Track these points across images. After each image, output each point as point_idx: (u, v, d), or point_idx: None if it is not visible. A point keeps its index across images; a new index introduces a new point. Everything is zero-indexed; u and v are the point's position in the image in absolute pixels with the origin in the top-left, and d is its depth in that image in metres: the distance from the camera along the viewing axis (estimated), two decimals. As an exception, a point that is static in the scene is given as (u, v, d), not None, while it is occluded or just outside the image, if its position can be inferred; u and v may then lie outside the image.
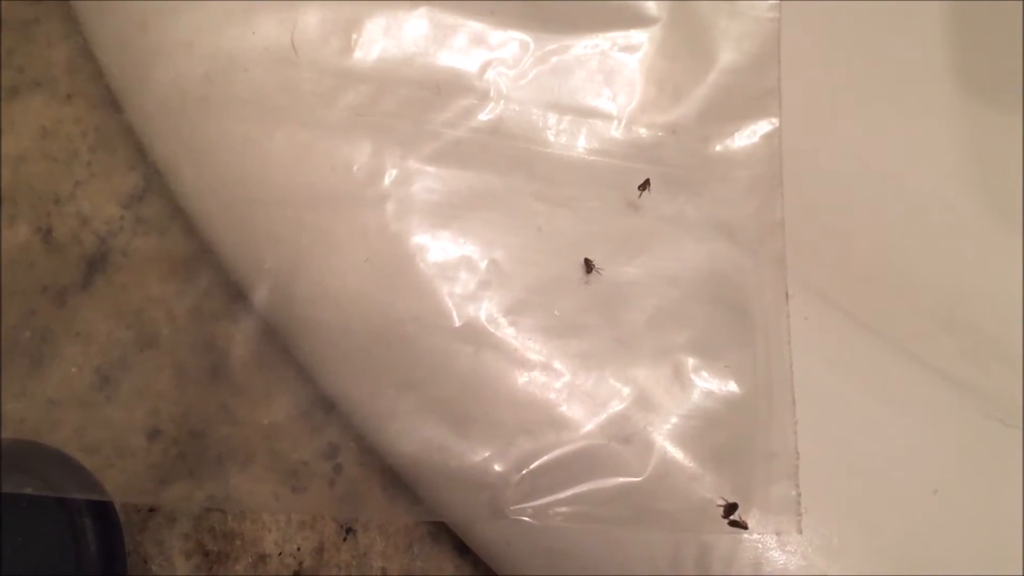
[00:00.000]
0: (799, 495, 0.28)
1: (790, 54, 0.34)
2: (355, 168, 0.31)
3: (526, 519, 0.28)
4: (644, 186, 0.31)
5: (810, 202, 0.38)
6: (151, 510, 0.32)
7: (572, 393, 0.29)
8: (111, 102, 0.35)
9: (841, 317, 0.33)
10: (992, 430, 0.31)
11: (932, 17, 0.43)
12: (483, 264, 0.30)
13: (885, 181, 0.42)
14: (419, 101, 0.32)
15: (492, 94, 0.32)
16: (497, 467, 0.28)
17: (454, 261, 0.30)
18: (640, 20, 0.34)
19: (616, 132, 0.32)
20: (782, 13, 0.34)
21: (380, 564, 0.32)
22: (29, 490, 0.27)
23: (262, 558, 0.31)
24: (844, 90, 0.43)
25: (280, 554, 0.32)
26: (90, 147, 0.35)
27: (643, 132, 0.33)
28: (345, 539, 0.32)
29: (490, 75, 0.32)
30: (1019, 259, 0.40)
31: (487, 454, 0.28)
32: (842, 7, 0.44)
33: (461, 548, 0.32)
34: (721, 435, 0.29)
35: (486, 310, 0.30)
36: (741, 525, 0.27)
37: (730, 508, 0.27)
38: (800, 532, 0.27)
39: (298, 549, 0.32)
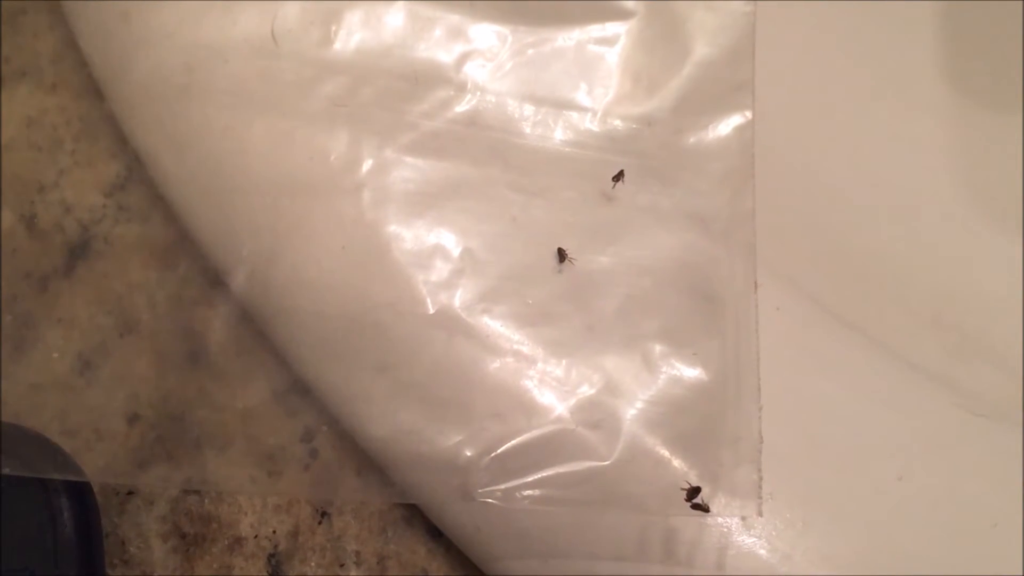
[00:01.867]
0: (760, 478, 0.28)
1: (779, 51, 0.35)
2: (332, 157, 0.31)
3: (494, 502, 0.28)
4: (618, 177, 0.32)
5: (794, 198, 0.39)
6: (129, 493, 0.32)
7: (543, 379, 0.29)
8: (95, 92, 0.35)
9: (814, 309, 0.33)
10: (960, 419, 0.31)
11: (925, 15, 0.43)
12: (457, 252, 0.30)
13: (873, 179, 0.41)
14: (397, 92, 0.32)
15: (469, 86, 0.32)
16: (467, 451, 0.28)
17: (429, 249, 0.30)
18: (617, 13, 0.34)
19: (592, 124, 0.33)
20: (770, 11, 0.34)
21: (354, 547, 0.32)
22: (7, 470, 0.28)
23: (238, 541, 0.32)
24: (834, 87, 0.43)
25: (256, 537, 0.32)
26: (74, 136, 0.36)
27: (618, 124, 0.33)
28: (320, 522, 0.32)
29: (467, 67, 0.33)
30: (1006, 258, 0.40)
31: (458, 438, 0.29)
32: (834, 5, 0.43)
33: (434, 531, 0.32)
34: (688, 421, 0.29)
35: (460, 297, 0.30)
36: (703, 508, 0.27)
37: (693, 491, 0.27)
38: (761, 515, 0.28)
39: (273, 532, 0.32)
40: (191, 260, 0.33)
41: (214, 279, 0.32)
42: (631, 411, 0.29)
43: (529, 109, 0.33)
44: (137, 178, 0.35)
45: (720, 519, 0.28)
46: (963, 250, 0.40)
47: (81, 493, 0.29)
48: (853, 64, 0.43)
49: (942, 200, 0.41)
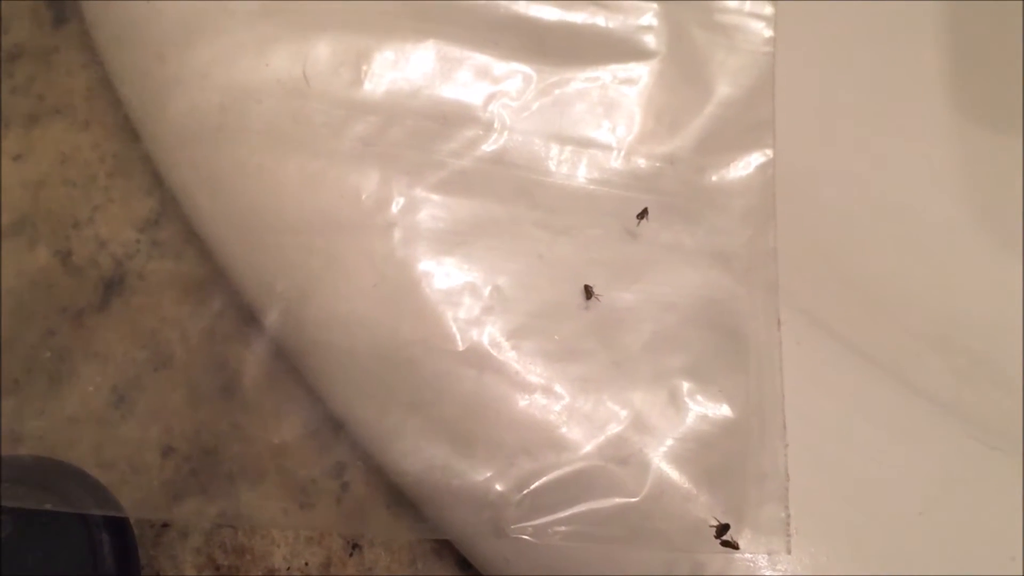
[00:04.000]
0: (788, 516, 0.28)
1: (788, 81, 0.35)
2: (364, 196, 0.32)
3: (527, 537, 0.28)
4: (642, 215, 0.32)
5: (807, 227, 0.38)
6: (164, 525, 0.33)
7: (571, 415, 0.29)
8: (128, 130, 0.36)
9: (832, 342, 0.33)
10: (977, 452, 0.32)
11: (928, 40, 0.44)
12: (486, 290, 0.31)
13: (882, 206, 0.42)
14: (426, 132, 0.33)
15: (496, 125, 0.33)
16: (499, 486, 0.29)
17: (458, 287, 0.31)
18: (640, 54, 0.35)
19: (616, 162, 0.33)
20: (779, 44, 0.35)
21: None
22: (48, 506, 0.28)
23: (271, 572, 0.32)
24: (842, 116, 0.43)
25: (288, 569, 0.32)
26: (108, 173, 0.36)
27: (642, 163, 0.33)
28: (351, 555, 0.33)
29: (494, 107, 0.33)
30: (1015, 282, 0.40)
31: (489, 474, 0.29)
32: (839, 34, 0.44)
33: (463, 563, 0.33)
34: (714, 457, 0.29)
35: (489, 334, 0.30)
36: (733, 545, 0.28)
37: (722, 528, 0.28)
38: (789, 552, 0.28)
39: (306, 564, 0.32)
40: (225, 296, 0.33)
41: (247, 315, 0.33)
42: (659, 447, 0.29)
43: (555, 148, 0.33)
44: (171, 214, 0.35)
45: (747, 555, 0.28)
46: (970, 273, 0.41)
47: (120, 527, 0.30)
48: (859, 94, 0.44)
49: (949, 225, 0.42)
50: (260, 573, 0.32)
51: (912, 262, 0.41)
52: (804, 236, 0.37)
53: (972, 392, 0.37)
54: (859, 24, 0.44)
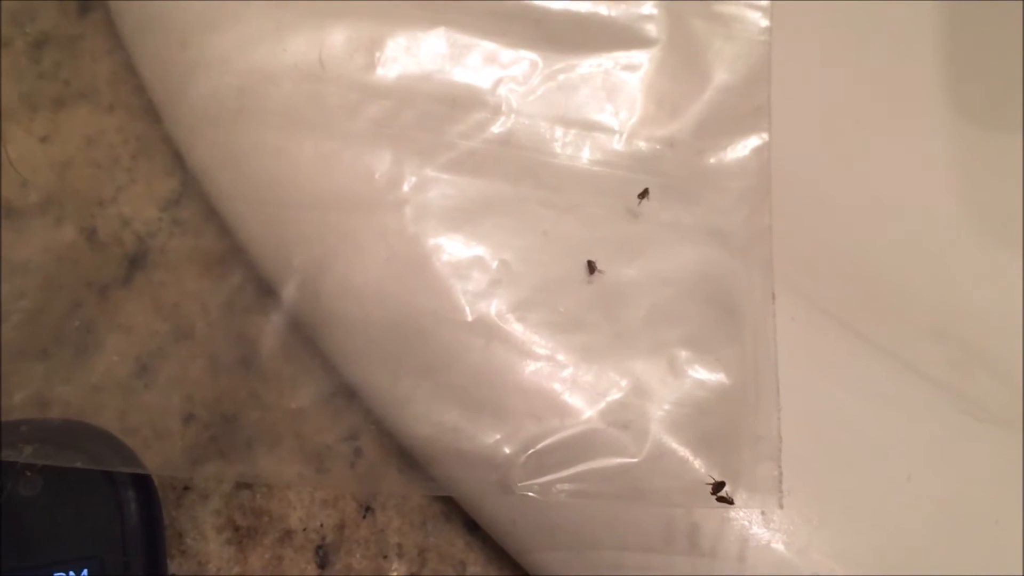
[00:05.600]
0: (781, 474, 0.29)
1: (787, 75, 0.35)
2: (377, 175, 0.32)
3: (532, 495, 0.29)
4: (643, 195, 0.33)
5: (804, 216, 0.39)
6: (185, 488, 0.33)
7: (575, 383, 0.30)
8: (151, 113, 0.36)
9: (826, 319, 0.34)
10: (964, 424, 0.32)
11: (927, 37, 0.44)
12: (494, 264, 0.31)
13: (878, 197, 0.42)
14: (436, 114, 0.33)
15: (504, 108, 0.33)
16: (506, 448, 0.29)
17: (467, 261, 0.31)
18: (641, 42, 0.35)
19: (618, 145, 0.34)
20: (777, 35, 0.36)
21: (396, 540, 0.33)
22: (78, 464, 0.29)
23: (288, 533, 0.33)
24: (841, 112, 0.43)
25: (304, 530, 0.33)
26: (131, 155, 0.37)
27: (643, 145, 0.34)
28: (364, 517, 0.33)
29: (502, 91, 0.34)
30: (1010, 274, 0.40)
31: (497, 436, 0.30)
32: (837, 30, 0.44)
33: (471, 525, 0.33)
34: (711, 421, 0.30)
35: (496, 306, 0.31)
36: (728, 500, 0.28)
37: (718, 486, 0.28)
38: (781, 508, 0.29)
39: (321, 526, 0.33)
40: (243, 271, 0.34)
41: (265, 289, 0.33)
42: (658, 412, 0.30)
43: (559, 130, 0.34)
44: (192, 194, 0.36)
45: (741, 513, 0.29)
46: (965, 265, 0.41)
47: (145, 486, 0.30)
48: (857, 89, 0.44)
49: (945, 217, 0.42)
50: (277, 534, 0.33)
51: (909, 253, 0.42)
52: (803, 229, 0.38)
53: (965, 378, 0.37)
54: (858, 22, 0.45)
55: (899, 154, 0.43)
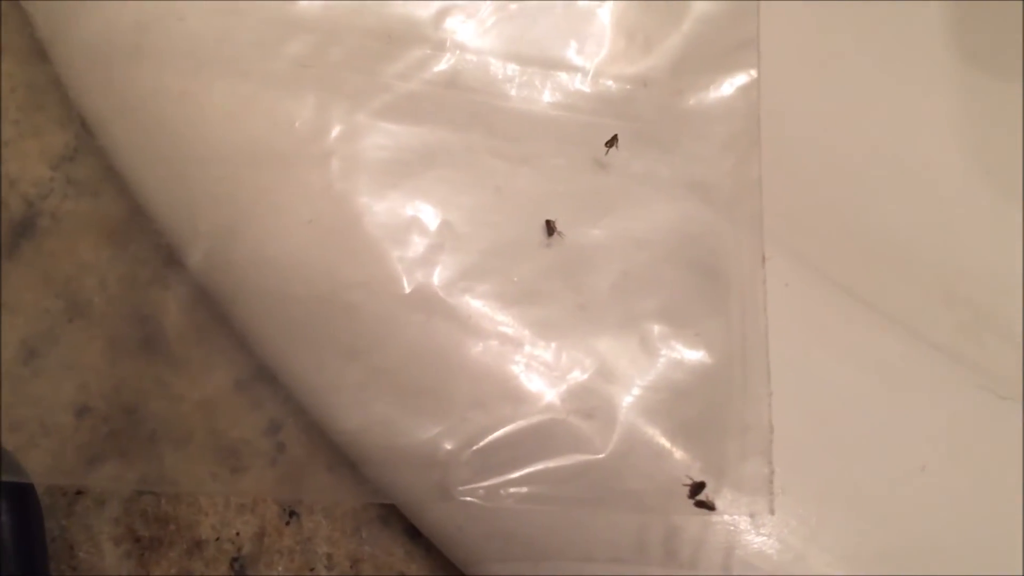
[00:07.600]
0: (772, 472, 0.27)
1: (778, 7, 0.35)
2: (298, 123, 0.30)
3: (476, 500, 0.27)
4: (612, 142, 0.31)
5: (801, 170, 0.38)
6: (78, 492, 0.32)
7: (530, 364, 0.28)
8: (40, 54, 0.34)
9: (825, 284, 0.33)
10: (987, 402, 0.31)
11: None
12: (436, 226, 0.30)
13: (879, 150, 0.41)
14: (369, 51, 0.31)
15: (448, 44, 0.32)
16: (447, 444, 0.28)
17: (404, 223, 0.30)
18: None
19: (582, 85, 0.32)
20: None
21: (326, 549, 0.32)
22: None
23: (198, 544, 0.31)
24: (842, 62, 0.43)
25: (217, 539, 0.31)
26: (18, 105, 0.34)
27: (611, 85, 0.32)
28: (288, 523, 0.32)
29: (446, 24, 0.32)
30: (1018, 233, 0.39)
31: (437, 430, 0.28)
32: None
33: (412, 532, 0.32)
34: (690, 408, 0.28)
35: (438, 275, 0.29)
36: (708, 506, 0.26)
37: (697, 487, 0.26)
38: (773, 513, 0.27)
39: (237, 534, 0.31)
40: (146, 237, 0.32)
41: (170, 257, 0.32)
42: (628, 398, 0.28)
43: (514, 69, 0.32)
44: (87, 149, 0.34)
45: (727, 517, 0.27)
46: (973, 225, 0.40)
47: (22, 494, 0.28)
48: (859, 37, 0.43)
49: (951, 174, 0.41)
50: (185, 544, 0.31)
51: (914, 213, 0.41)
52: (797, 182, 0.37)
53: (976, 343, 0.37)
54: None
55: (901, 101, 0.42)
